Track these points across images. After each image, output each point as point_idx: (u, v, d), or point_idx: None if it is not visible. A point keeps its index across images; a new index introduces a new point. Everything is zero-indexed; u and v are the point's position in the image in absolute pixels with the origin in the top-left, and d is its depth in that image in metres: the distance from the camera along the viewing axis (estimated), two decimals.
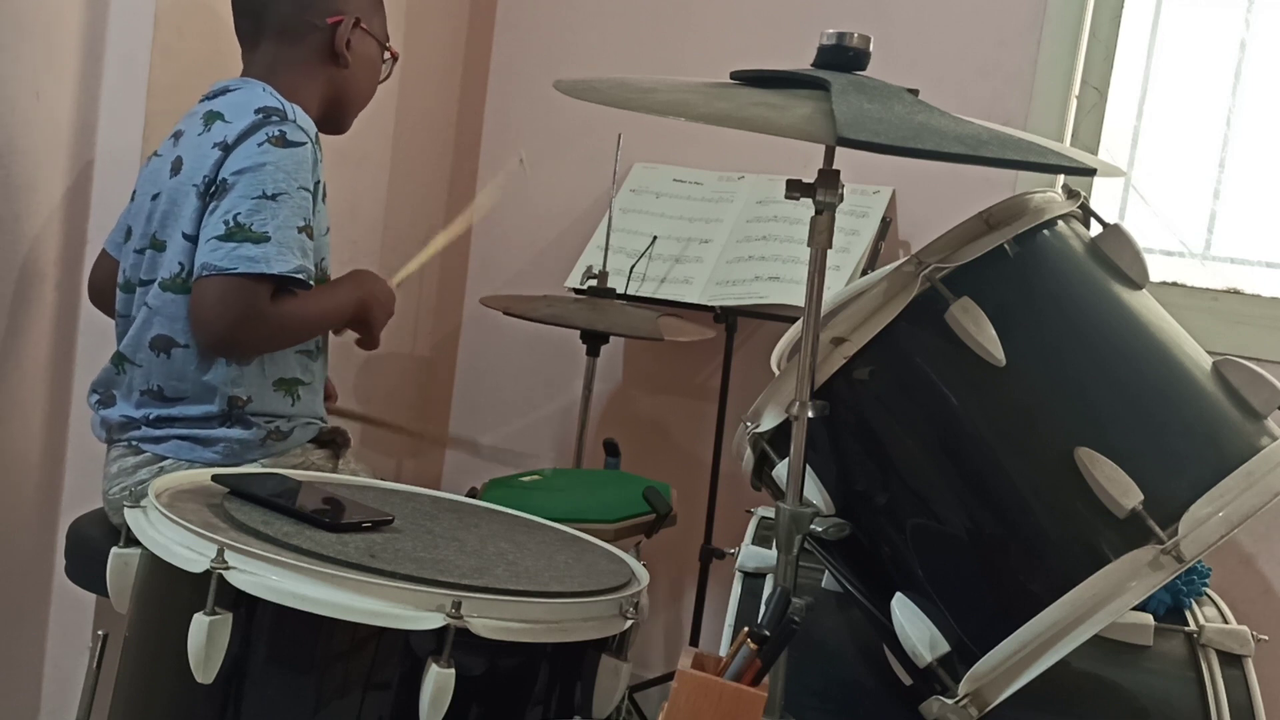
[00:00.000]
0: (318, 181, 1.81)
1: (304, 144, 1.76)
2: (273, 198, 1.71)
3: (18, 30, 1.93)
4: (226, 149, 1.74)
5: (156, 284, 1.79)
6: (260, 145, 1.72)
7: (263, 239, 1.69)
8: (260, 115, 1.75)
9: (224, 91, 1.84)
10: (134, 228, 1.87)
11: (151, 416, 1.81)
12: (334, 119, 1.96)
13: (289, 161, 1.73)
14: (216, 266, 1.69)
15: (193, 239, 1.75)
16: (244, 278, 1.69)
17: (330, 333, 1.96)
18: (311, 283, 1.76)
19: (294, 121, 1.76)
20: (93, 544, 1.83)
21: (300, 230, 1.73)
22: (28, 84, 1.96)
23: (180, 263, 1.76)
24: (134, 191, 1.91)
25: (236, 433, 1.80)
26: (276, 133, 1.73)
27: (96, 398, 1.88)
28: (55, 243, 2.06)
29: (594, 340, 2.51)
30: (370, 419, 2.19)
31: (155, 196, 1.82)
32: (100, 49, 2.06)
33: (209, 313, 1.71)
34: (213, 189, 1.73)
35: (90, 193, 2.09)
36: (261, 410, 1.82)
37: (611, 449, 2.46)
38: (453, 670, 1.18)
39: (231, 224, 1.70)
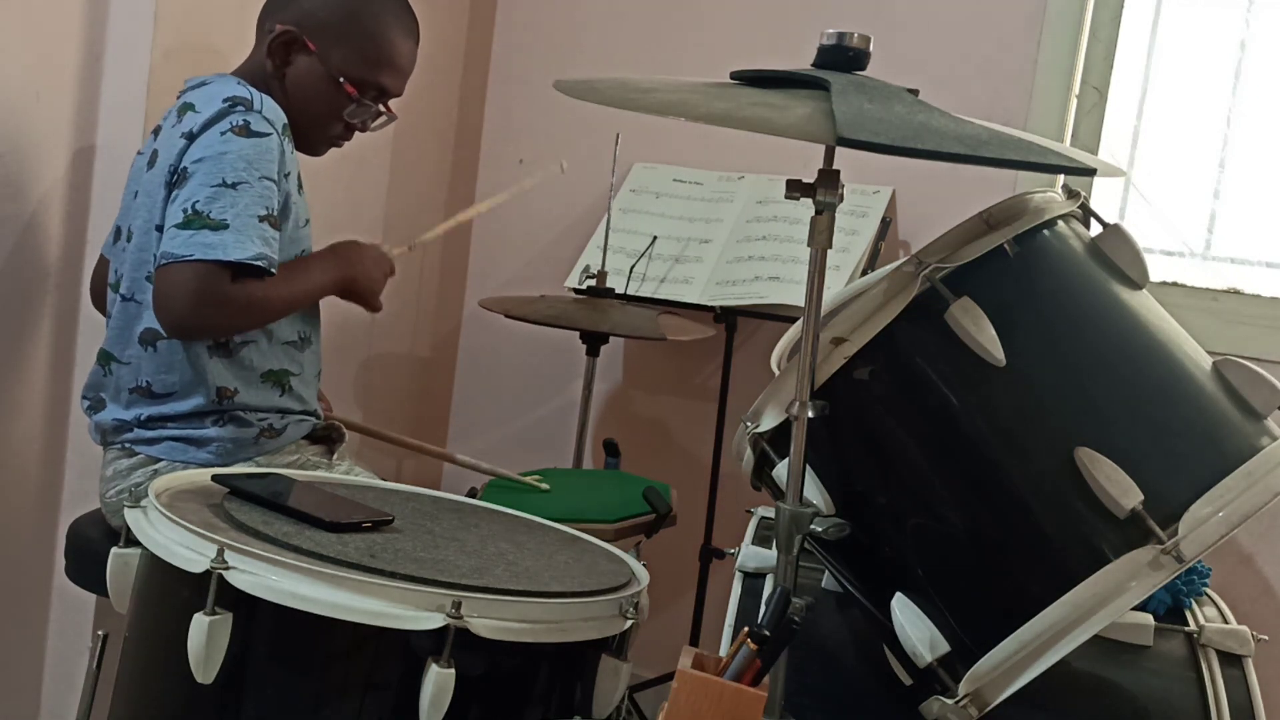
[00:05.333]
0: (288, 173, 1.79)
1: (268, 134, 1.73)
2: (232, 186, 1.69)
3: (18, 30, 1.93)
4: (191, 138, 1.73)
5: (144, 279, 1.78)
6: (223, 134, 1.71)
7: (220, 226, 1.68)
8: (227, 104, 1.73)
9: (200, 85, 1.83)
10: (122, 227, 1.87)
11: (143, 417, 1.80)
12: (295, 133, 1.85)
13: (251, 151, 1.71)
14: (174, 254, 1.68)
15: (162, 229, 1.74)
16: (201, 263, 1.67)
17: (320, 325, 1.95)
18: (274, 271, 1.74)
19: (259, 112, 1.74)
20: (93, 544, 1.83)
21: (262, 219, 1.71)
22: (28, 84, 1.96)
23: (156, 255, 1.76)
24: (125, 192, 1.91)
25: (229, 431, 1.80)
26: (240, 121, 1.72)
27: (87, 403, 1.88)
28: (55, 242, 2.06)
29: (594, 340, 2.51)
30: (369, 431, 2.18)
31: (137, 194, 1.83)
32: (100, 49, 2.06)
33: (168, 297, 1.69)
34: (174, 177, 1.73)
35: (90, 193, 2.09)
36: (252, 404, 1.82)
37: (611, 449, 2.46)
38: (453, 670, 1.18)
39: (190, 211, 1.69)
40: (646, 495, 2.09)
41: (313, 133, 1.92)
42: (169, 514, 1.29)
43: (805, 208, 1.36)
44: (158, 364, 1.79)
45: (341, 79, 1.87)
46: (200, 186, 1.69)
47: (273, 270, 1.73)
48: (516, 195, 2.38)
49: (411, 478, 2.91)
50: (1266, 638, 1.68)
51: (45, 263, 2.05)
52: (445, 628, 1.19)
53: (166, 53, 2.06)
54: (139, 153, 1.89)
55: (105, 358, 1.85)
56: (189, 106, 1.78)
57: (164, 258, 1.69)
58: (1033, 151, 1.29)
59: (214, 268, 1.68)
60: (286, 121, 1.79)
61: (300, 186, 1.85)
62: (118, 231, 1.89)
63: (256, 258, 1.70)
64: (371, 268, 1.95)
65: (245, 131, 1.72)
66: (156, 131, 1.85)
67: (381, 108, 1.95)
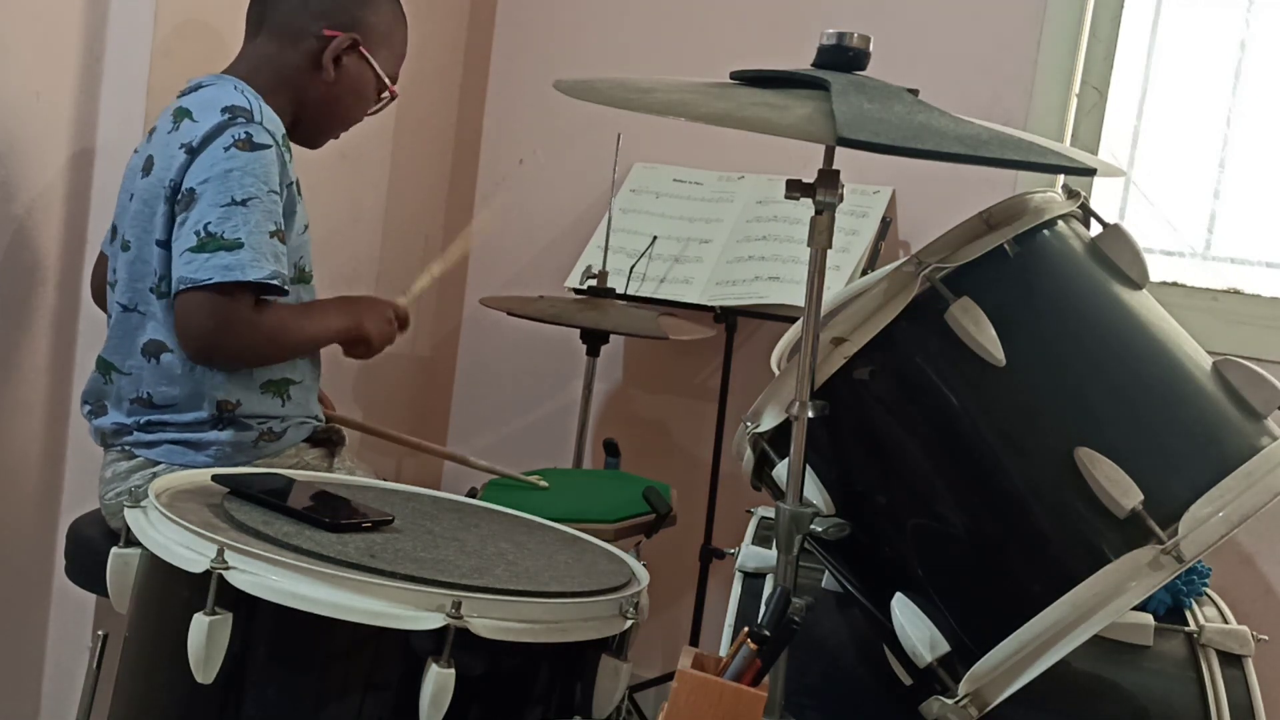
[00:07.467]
0: (289, 183, 1.79)
1: (269, 146, 1.73)
2: (243, 203, 1.69)
3: (18, 30, 1.93)
4: (192, 152, 1.72)
5: (148, 290, 1.78)
6: (226, 150, 1.70)
7: (236, 246, 1.67)
8: (226, 115, 1.72)
9: (197, 88, 1.82)
10: (118, 226, 1.87)
11: (143, 422, 1.80)
12: (306, 132, 1.92)
13: (256, 165, 1.71)
14: (193, 279, 1.68)
15: (165, 245, 1.74)
16: (221, 287, 1.68)
17: None
18: (287, 289, 1.75)
19: (259, 123, 1.74)
20: (93, 544, 1.83)
21: (272, 235, 1.71)
22: (28, 84, 1.96)
23: (156, 269, 1.76)
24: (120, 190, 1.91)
25: (229, 435, 1.80)
26: (242, 135, 1.71)
27: (88, 408, 1.88)
28: (55, 243, 2.06)
29: (594, 340, 2.51)
30: (369, 429, 2.18)
31: (132, 196, 1.81)
32: (100, 49, 2.06)
33: (193, 326, 1.70)
34: (179, 196, 1.72)
35: (90, 193, 2.09)
36: (253, 413, 1.82)
37: (611, 449, 2.46)
38: (453, 670, 1.18)
39: (203, 234, 1.68)
40: (646, 495, 2.09)
41: (334, 130, 1.96)
42: (169, 514, 1.29)
43: (805, 208, 1.36)
44: (159, 376, 1.79)
45: (386, 79, 1.93)
46: (210, 207, 1.69)
47: (285, 288, 1.74)
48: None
49: (411, 478, 2.91)
50: (1266, 638, 1.68)
51: (45, 263, 2.05)
52: (445, 628, 1.19)
53: (166, 53, 2.06)
54: (135, 151, 1.88)
55: (105, 366, 1.84)
56: (185, 113, 1.77)
57: (182, 283, 1.69)
58: (1033, 151, 1.29)
59: (234, 289, 1.68)
60: (285, 131, 1.80)
61: (300, 192, 1.85)
62: (114, 230, 1.89)
63: (272, 276, 1.70)
64: (381, 321, 1.95)
65: (248, 145, 1.71)
66: (152, 132, 1.83)
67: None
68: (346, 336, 1.91)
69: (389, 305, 1.98)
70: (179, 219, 1.71)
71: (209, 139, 1.71)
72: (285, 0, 1.89)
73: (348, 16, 1.89)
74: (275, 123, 1.77)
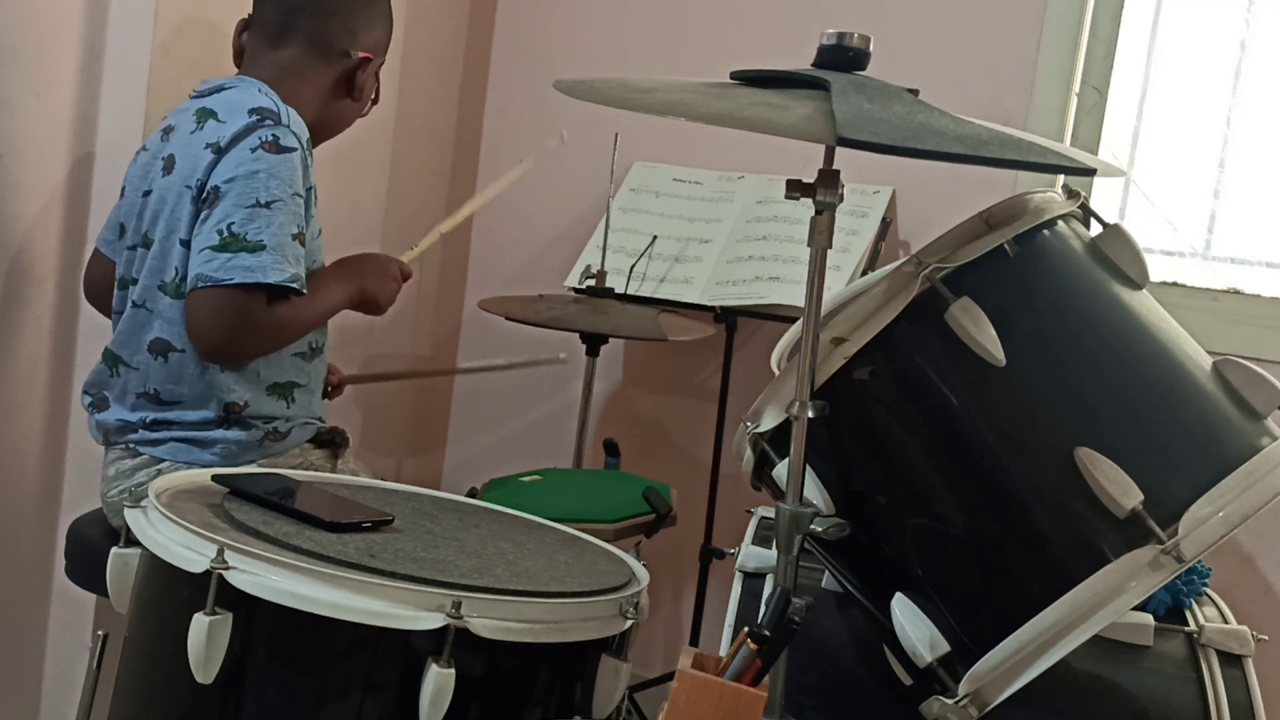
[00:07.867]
0: (310, 187, 1.80)
1: (295, 150, 1.74)
2: (267, 205, 1.70)
3: (18, 31, 1.93)
4: (219, 151, 1.72)
5: (156, 287, 1.78)
6: (254, 151, 1.71)
7: (258, 248, 1.68)
8: (255, 117, 1.73)
9: (218, 89, 1.82)
10: (126, 225, 1.86)
11: (148, 420, 1.80)
12: (325, 135, 1.96)
13: (283, 168, 1.72)
14: (212, 278, 1.68)
15: (189, 244, 1.74)
16: (239, 288, 1.68)
17: (327, 332, 1.96)
18: (304, 291, 1.75)
19: (287, 126, 1.75)
20: (93, 544, 1.83)
21: (294, 238, 1.72)
22: (28, 84, 1.96)
23: (176, 268, 1.76)
24: (123, 188, 1.90)
25: (234, 434, 1.80)
26: (270, 137, 1.72)
27: (89, 399, 1.88)
28: (55, 243, 2.06)
29: (594, 340, 2.51)
30: (379, 375, 2.19)
31: (147, 193, 1.81)
32: (100, 49, 2.06)
33: (205, 324, 1.70)
34: (205, 195, 1.72)
35: (90, 193, 2.09)
36: (258, 414, 1.82)
37: (611, 449, 2.46)
38: (453, 670, 1.18)
39: (226, 234, 1.68)
40: (646, 495, 2.09)
41: (333, 136, 1.99)
42: (169, 514, 1.29)
43: (805, 208, 1.36)
44: (166, 374, 1.79)
45: (379, 89, 2.00)
46: (235, 207, 1.69)
47: (303, 290, 1.74)
48: (516, 178, 2.42)
49: (411, 478, 2.92)
50: (1266, 638, 1.68)
51: (45, 263, 2.05)
52: (445, 628, 1.19)
53: (166, 53, 2.06)
54: (143, 149, 1.88)
55: (113, 359, 1.84)
56: (210, 114, 1.77)
57: (200, 281, 1.69)
58: (1033, 151, 1.29)
59: (252, 291, 1.69)
60: (309, 135, 1.81)
61: (316, 199, 1.86)
62: (120, 229, 1.88)
63: (292, 279, 1.71)
64: (384, 279, 1.97)
65: (275, 148, 1.72)
66: (167, 131, 1.83)
67: None
68: (352, 303, 1.92)
69: (391, 261, 2.00)
70: (202, 216, 1.72)
71: (237, 139, 1.72)
72: (318, 14, 1.88)
73: (375, 38, 1.93)
74: (301, 126, 1.78)
